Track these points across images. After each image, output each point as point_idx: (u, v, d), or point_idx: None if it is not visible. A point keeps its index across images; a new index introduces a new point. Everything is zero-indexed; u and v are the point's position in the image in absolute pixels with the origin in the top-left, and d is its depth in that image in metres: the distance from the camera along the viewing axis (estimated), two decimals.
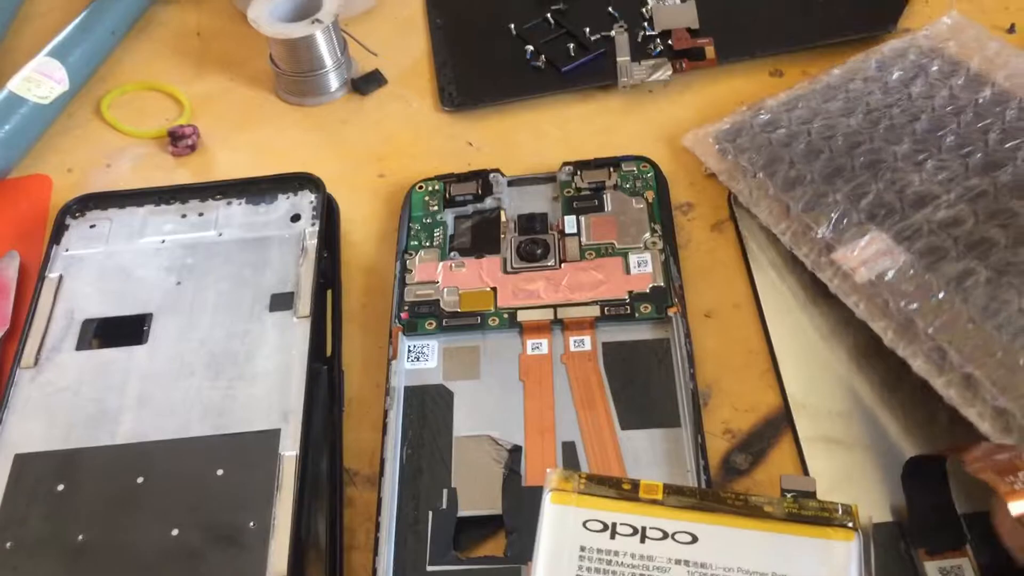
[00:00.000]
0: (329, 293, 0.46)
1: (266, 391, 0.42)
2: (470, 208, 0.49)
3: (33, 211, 0.53)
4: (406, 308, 0.45)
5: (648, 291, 0.44)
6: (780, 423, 0.41)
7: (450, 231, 0.48)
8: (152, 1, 0.63)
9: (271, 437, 0.40)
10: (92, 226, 0.49)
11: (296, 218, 0.48)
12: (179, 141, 0.55)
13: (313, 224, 0.48)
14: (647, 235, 0.46)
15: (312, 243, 0.47)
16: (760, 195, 0.45)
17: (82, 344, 0.45)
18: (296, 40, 0.54)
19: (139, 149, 0.56)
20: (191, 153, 0.55)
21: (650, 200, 0.47)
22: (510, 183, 0.50)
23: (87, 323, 0.45)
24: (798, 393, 0.41)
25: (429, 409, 0.42)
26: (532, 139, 0.53)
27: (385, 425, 0.41)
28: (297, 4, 0.56)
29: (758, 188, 0.45)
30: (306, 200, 0.49)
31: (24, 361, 0.44)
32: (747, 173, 0.46)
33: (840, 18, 0.55)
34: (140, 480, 0.40)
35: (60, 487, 0.40)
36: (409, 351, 0.44)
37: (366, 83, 0.57)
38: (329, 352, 0.45)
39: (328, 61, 0.56)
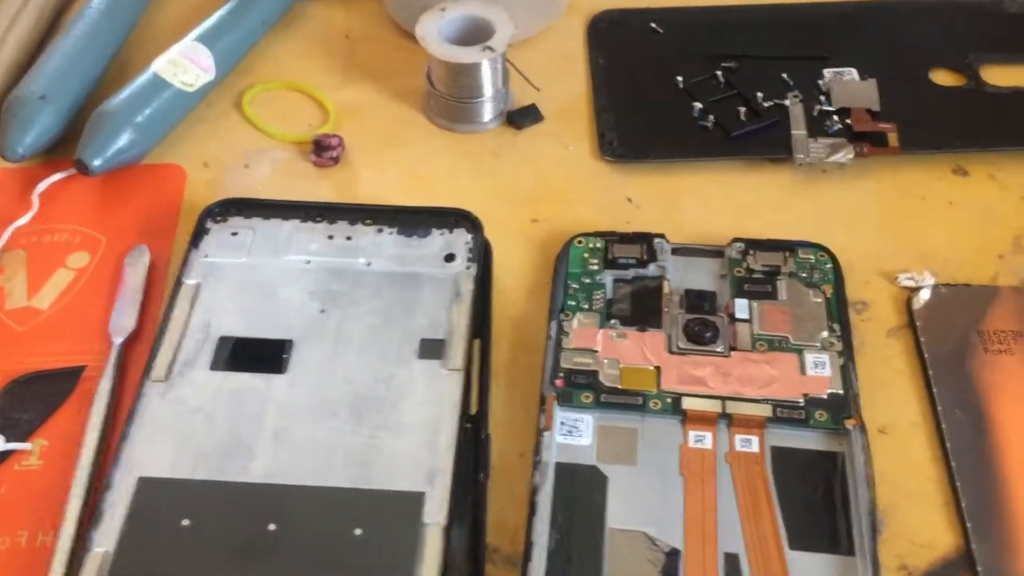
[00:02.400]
0: (477, 343, 0.44)
1: (411, 447, 0.39)
2: (631, 272, 0.46)
3: (165, 204, 0.51)
4: (561, 375, 0.42)
5: (825, 396, 0.41)
6: (960, 566, 0.38)
7: (608, 294, 0.45)
8: None
9: (415, 501, 0.38)
10: (234, 233, 0.46)
11: (450, 258, 0.45)
12: (324, 152, 0.52)
13: (469, 267, 0.45)
14: (825, 334, 0.43)
15: (468, 288, 0.44)
16: None
17: (217, 363, 0.42)
18: (462, 65, 0.51)
19: (279, 152, 0.53)
20: (334, 165, 0.52)
21: (828, 295, 0.44)
22: (674, 251, 0.47)
23: (223, 340, 0.43)
24: (981, 536, 0.38)
25: (580, 491, 0.39)
26: (696, 205, 0.50)
27: (534, 503, 0.38)
28: (466, 24, 0.53)
29: None
30: (462, 239, 0.46)
31: (155, 373, 0.41)
32: None
33: None
34: (272, 527, 0.37)
35: (186, 522, 0.37)
36: (562, 423, 0.41)
37: (522, 117, 0.54)
38: (474, 410, 0.42)
39: (488, 90, 0.53)
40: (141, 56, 0.58)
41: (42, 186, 0.51)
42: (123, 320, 0.45)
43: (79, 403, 0.43)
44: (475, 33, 0.53)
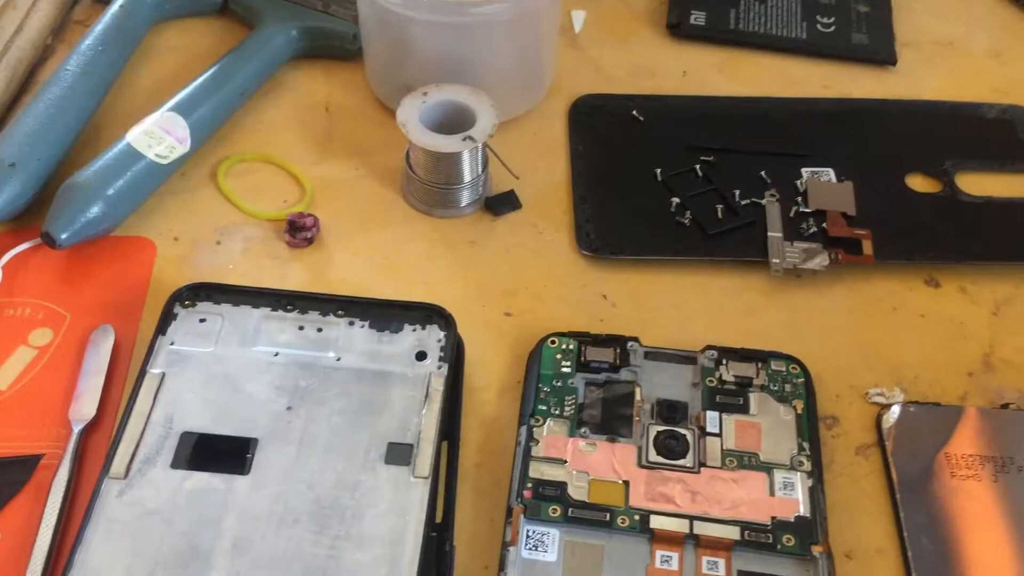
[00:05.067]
0: (445, 445, 0.43)
1: (373, 559, 0.38)
2: (603, 376, 0.45)
3: (133, 280, 0.50)
4: (529, 485, 0.41)
5: (793, 520, 0.41)
6: None
7: (580, 399, 0.45)
8: (282, 63, 0.60)
9: None
10: (202, 320, 0.46)
11: (422, 356, 0.45)
12: (298, 232, 0.51)
13: (440, 367, 0.44)
14: (794, 452, 0.43)
15: (438, 390, 0.43)
16: None
17: (178, 461, 0.41)
18: (442, 153, 0.51)
19: (252, 230, 0.53)
20: (307, 247, 0.52)
21: (799, 411, 0.44)
22: (647, 355, 0.46)
23: (186, 436, 0.42)
24: None
25: None
26: (671, 306, 0.50)
27: None
28: (448, 109, 0.53)
29: None
30: (434, 337, 0.45)
31: (114, 470, 0.40)
32: None
33: (1009, 241, 0.52)
34: None
35: None
36: (528, 537, 0.40)
37: (500, 204, 0.54)
38: (439, 518, 0.41)
39: (467, 177, 0.53)
40: (115, 121, 0.57)
41: (6, 257, 0.49)
42: (83, 407, 0.44)
43: (34, 493, 0.42)
44: (456, 118, 0.53)
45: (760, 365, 0.46)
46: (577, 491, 0.41)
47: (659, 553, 0.40)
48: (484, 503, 0.42)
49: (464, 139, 0.51)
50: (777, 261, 0.51)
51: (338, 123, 0.58)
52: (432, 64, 0.55)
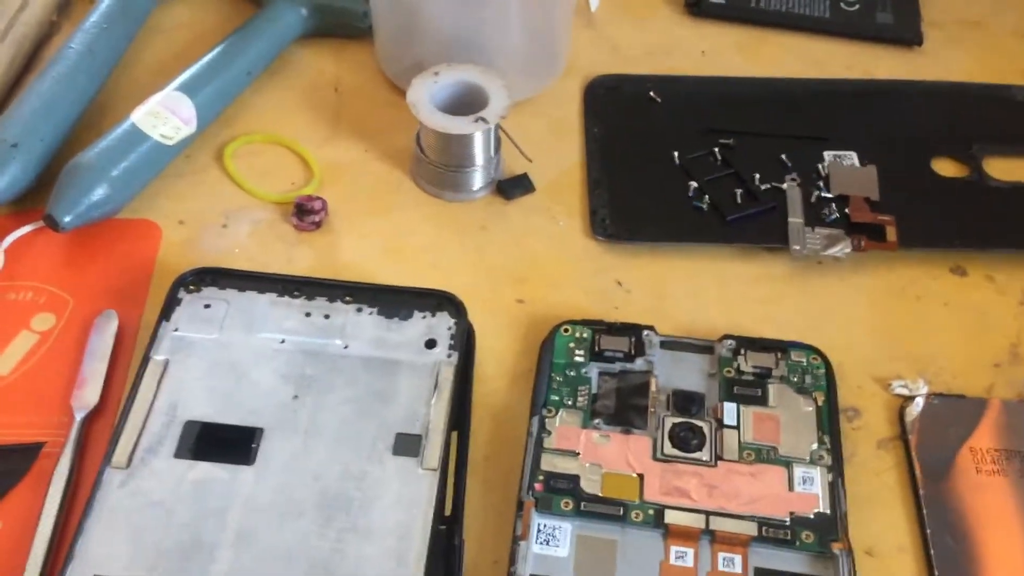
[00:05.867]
0: (455, 436, 0.42)
1: (380, 553, 0.37)
2: (617, 366, 0.44)
3: (137, 263, 0.49)
4: (541, 478, 0.40)
5: (812, 516, 0.39)
6: None
7: (593, 389, 0.43)
8: (290, 41, 0.59)
9: None
10: (207, 306, 0.44)
11: (431, 344, 0.44)
12: (306, 216, 0.50)
13: (450, 356, 0.43)
14: (814, 446, 0.42)
15: (447, 380, 0.42)
16: None
17: (181, 451, 0.40)
18: (453, 135, 0.49)
19: (259, 212, 0.51)
20: (316, 230, 0.50)
21: (819, 403, 0.43)
22: (663, 344, 0.45)
23: (189, 425, 0.41)
24: None
25: None
26: (687, 293, 0.49)
27: None
28: (460, 90, 0.51)
29: None
30: (444, 325, 0.44)
31: (116, 459, 0.39)
32: None
33: None
34: None
35: None
36: (539, 531, 0.39)
37: (512, 187, 0.53)
38: (448, 511, 0.40)
39: (479, 159, 0.51)
40: (119, 100, 0.56)
41: (8, 240, 0.49)
42: (86, 394, 0.43)
43: (35, 482, 0.41)
44: (468, 99, 0.51)
45: (779, 355, 0.44)
46: (590, 484, 0.40)
47: (674, 549, 0.39)
48: (493, 496, 0.41)
49: (476, 120, 0.49)
50: (798, 248, 0.49)
51: (347, 103, 0.57)
52: (444, 43, 0.54)
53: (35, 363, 0.45)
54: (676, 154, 0.54)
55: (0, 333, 0.46)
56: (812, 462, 0.41)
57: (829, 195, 0.52)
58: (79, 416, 0.42)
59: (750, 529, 0.39)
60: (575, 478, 0.40)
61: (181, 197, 0.52)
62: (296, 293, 0.45)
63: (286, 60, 0.59)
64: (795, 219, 0.51)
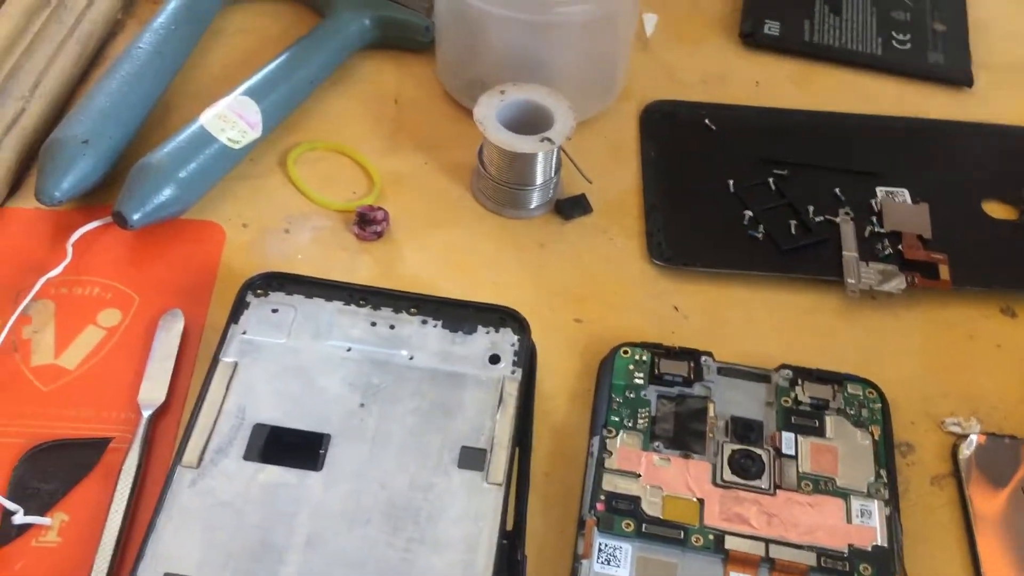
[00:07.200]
0: (517, 453, 0.42)
1: (447, 565, 0.38)
2: (676, 390, 0.45)
3: (202, 264, 0.49)
4: (602, 498, 0.41)
5: (870, 549, 0.40)
6: None
7: (653, 411, 0.44)
8: (352, 52, 0.59)
9: None
10: (275, 310, 0.45)
11: (495, 359, 0.44)
12: (368, 225, 0.51)
13: (514, 372, 0.44)
14: (871, 479, 0.42)
15: (512, 395, 0.43)
16: None
17: (251, 453, 0.41)
18: (517, 153, 0.50)
19: (321, 220, 0.52)
20: (377, 240, 0.51)
21: (876, 436, 0.44)
22: (720, 370, 0.46)
23: (258, 428, 0.41)
24: None
25: None
26: (743, 321, 0.49)
27: None
28: (525, 109, 0.52)
29: None
30: (508, 341, 0.45)
31: (187, 458, 0.40)
32: None
33: None
34: None
35: None
36: (600, 550, 0.40)
37: (570, 207, 0.53)
38: (510, 526, 0.41)
39: (540, 179, 0.52)
40: (185, 100, 0.56)
41: (77, 235, 0.49)
42: (153, 391, 0.44)
43: (103, 476, 0.41)
44: (532, 118, 0.52)
45: (836, 388, 0.45)
46: (651, 506, 0.41)
47: (733, 574, 0.39)
48: (553, 513, 0.42)
49: (542, 140, 0.50)
50: (853, 282, 0.50)
51: (407, 115, 0.58)
52: (506, 61, 0.54)
53: (101, 359, 0.45)
54: (731, 182, 0.55)
55: (67, 327, 0.46)
56: (870, 495, 0.42)
57: (882, 230, 0.53)
58: (146, 413, 0.43)
59: (809, 559, 0.40)
60: (636, 499, 0.41)
61: (245, 201, 0.52)
62: (362, 302, 0.46)
63: (348, 71, 0.59)
64: (849, 253, 0.51)
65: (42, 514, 0.40)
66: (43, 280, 0.47)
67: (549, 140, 0.50)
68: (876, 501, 0.41)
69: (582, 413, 0.45)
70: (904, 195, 0.55)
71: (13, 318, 0.45)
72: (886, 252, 0.52)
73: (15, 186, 0.52)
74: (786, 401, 0.45)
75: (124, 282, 0.48)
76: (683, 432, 0.44)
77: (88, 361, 0.45)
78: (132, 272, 0.48)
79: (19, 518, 0.39)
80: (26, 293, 0.46)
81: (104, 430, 0.43)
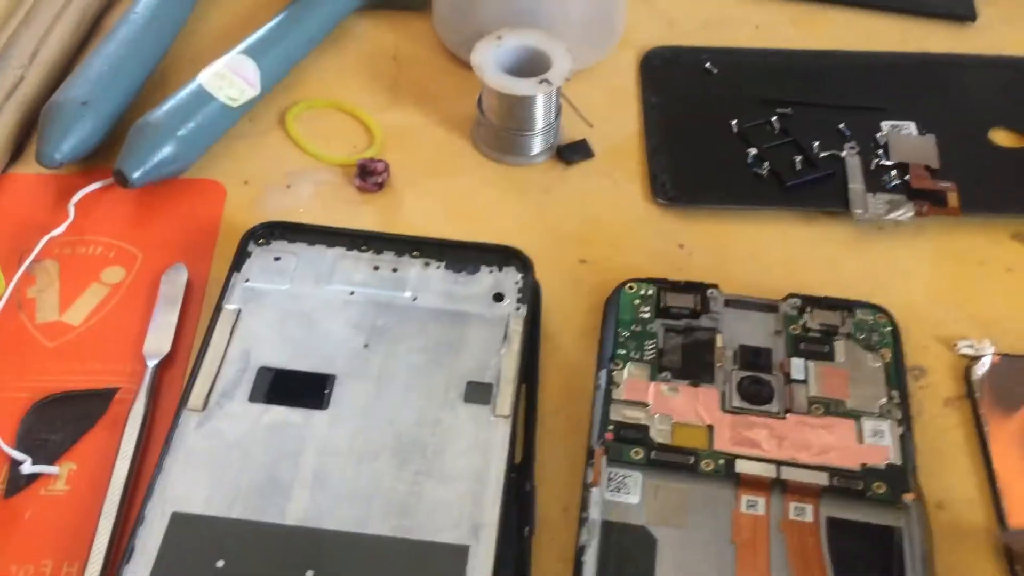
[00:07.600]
0: (524, 389, 0.42)
1: (456, 497, 0.38)
2: (683, 323, 0.44)
3: (203, 221, 0.49)
4: (611, 428, 0.41)
5: (883, 467, 0.40)
6: None
7: (660, 344, 0.44)
8: (349, 12, 0.59)
9: (459, 555, 0.36)
10: (277, 258, 0.45)
11: (499, 297, 0.44)
12: (368, 177, 0.51)
13: (518, 308, 0.43)
14: (883, 400, 0.42)
15: (517, 331, 0.43)
16: None
17: (256, 395, 0.40)
18: (516, 97, 0.50)
19: (322, 174, 0.52)
20: (378, 191, 0.51)
21: (886, 359, 0.43)
22: (727, 303, 0.45)
23: (263, 371, 0.41)
24: None
25: (628, 552, 0.38)
26: (749, 255, 0.49)
27: (580, 564, 0.37)
28: (522, 55, 0.52)
29: None
30: (511, 279, 0.45)
31: (192, 402, 0.40)
32: None
33: None
34: (310, 574, 0.35)
35: (220, 563, 0.36)
36: (609, 479, 0.39)
37: (572, 152, 0.53)
38: (518, 458, 0.40)
39: (540, 123, 0.52)
40: (183, 64, 0.57)
41: (78, 196, 0.49)
42: (158, 342, 0.44)
43: (110, 426, 0.41)
44: (530, 64, 0.52)
45: (845, 314, 0.45)
46: (660, 434, 0.40)
47: (745, 498, 0.39)
48: (562, 446, 0.42)
49: (540, 82, 0.50)
50: (860, 211, 0.49)
51: (406, 72, 0.58)
52: (502, 11, 0.54)
53: (106, 314, 0.45)
54: (734, 123, 0.54)
55: (71, 285, 0.46)
56: (881, 416, 0.41)
57: (889, 162, 0.52)
58: (151, 363, 0.43)
59: (821, 479, 0.39)
60: (645, 428, 0.41)
61: (245, 158, 0.52)
62: (364, 248, 0.46)
63: (345, 30, 0.59)
64: (856, 185, 0.51)
65: (50, 463, 0.40)
66: (45, 240, 0.47)
67: (548, 82, 0.50)
68: (888, 421, 0.41)
69: (589, 351, 0.44)
70: (910, 128, 0.54)
71: (16, 277, 0.45)
72: (893, 183, 0.51)
73: (16, 153, 0.52)
74: (795, 329, 0.44)
75: (127, 240, 0.48)
76: (691, 363, 0.43)
77: (93, 317, 0.45)
78: (134, 231, 0.49)
79: (27, 467, 0.39)
80: (29, 254, 0.46)
81: (110, 382, 0.43)
